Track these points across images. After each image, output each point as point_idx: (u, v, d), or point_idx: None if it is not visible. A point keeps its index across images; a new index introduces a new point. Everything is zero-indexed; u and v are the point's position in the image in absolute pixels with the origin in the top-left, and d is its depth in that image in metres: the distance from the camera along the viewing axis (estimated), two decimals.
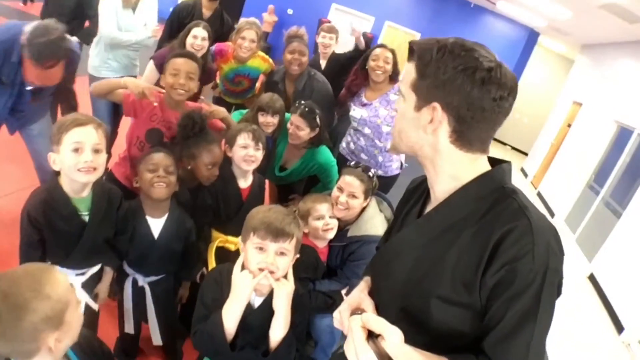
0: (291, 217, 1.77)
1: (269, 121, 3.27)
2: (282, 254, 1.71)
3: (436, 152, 1.19)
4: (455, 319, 1.14)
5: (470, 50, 1.13)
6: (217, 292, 1.81)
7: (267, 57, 4.34)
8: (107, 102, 3.76)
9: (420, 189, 1.43)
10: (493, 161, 1.25)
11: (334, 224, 2.67)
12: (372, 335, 1.02)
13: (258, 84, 4.58)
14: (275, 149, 3.53)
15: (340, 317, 1.29)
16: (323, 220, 2.64)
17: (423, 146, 1.21)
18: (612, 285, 6.22)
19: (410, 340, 1.06)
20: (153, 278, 2.46)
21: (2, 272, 1.27)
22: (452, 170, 1.20)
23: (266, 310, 1.75)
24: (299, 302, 1.80)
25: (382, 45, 3.77)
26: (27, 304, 1.22)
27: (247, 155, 2.66)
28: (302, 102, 3.40)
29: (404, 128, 1.23)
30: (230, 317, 1.69)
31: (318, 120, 3.35)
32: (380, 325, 1.02)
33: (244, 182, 2.79)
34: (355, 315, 1.06)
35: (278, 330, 1.71)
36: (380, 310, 1.28)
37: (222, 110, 3.04)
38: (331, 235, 2.68)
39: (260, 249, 1.70)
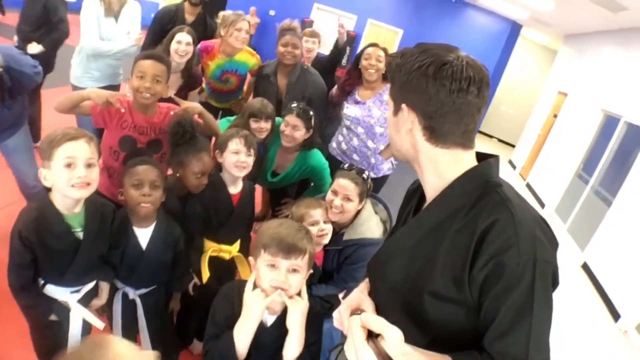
0: (303, 231, 1.72)
1: (262, 127, 3.24)
2: (294, 270, 1.65)
3: (417, 152, 1.24)
4: (451, 316, 1.15)
5: (427, 50, 1.18)
6: (228, 310, 1.76)
7: (253, 52, 4.31)
8: None
9: (419, 191, 1.43)
10: (482, 157, 1.27)
11: (329, 229, 2.64)
12: (372, 335, 1.02)
13: (245, 87, 4.56)
14: (267, 155, 3.49)
15: (340, 317, 1.29)
16: (318, 225, 2.59)
17: (408, 149, 1.25)
18: (606, 273, 6.26)
19: (413, 340, 1.07)
20: (143, 290, 2.40)
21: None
22: (434, 168, 1.23)
23: (279, 328, 1.69)
24: (313, 319, 1.74)
25: (374, 44, 3.73)
26: None
27: (238, 161, 2.61)
28: (296, 103, 3.38)
29: (391, 134, 1.30)
30: (242, 337, 1.63)
31: (312, 121, 3.32)
32: (380, 324, 1.02)
33: (234, 189, 2.74)
34: (355, 316, 1.06)
35: (292, 350, 1.64)
36: (381, 312, 1.28)
37: (196, 106, 2.96)
38: (326, 240, 2.64)
39: (272, 266, 1.64)
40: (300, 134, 3.30)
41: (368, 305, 1.31)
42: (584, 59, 10.62)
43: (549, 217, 8.98)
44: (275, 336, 1.70)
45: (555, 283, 1.12)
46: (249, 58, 4.24)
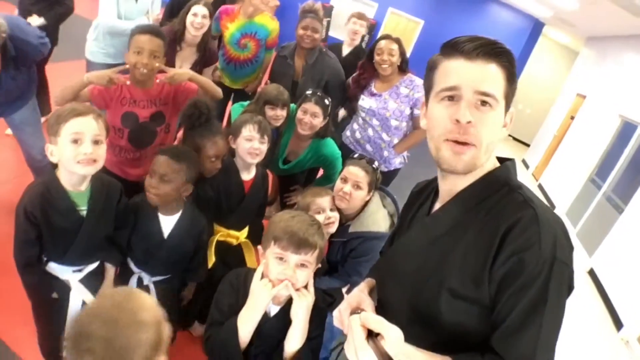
0: (315, 226, 1.69)
1: (278, 114, 3.22)
2: (302, 265, 1.64)
3: None
4: (463, 316, 1.14)
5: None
6: (233, 298, 1.75)
7: (273, 17, 4.27)
8: None
9: (426, 191, 1.44)
10: (498, 160, 1.26)
11: (336, 217, 2.63)
12: (371, 335, 1.03)
13: (264, 76, 4.51)
14: (280, 141, 3.46)
15: (341, 316, 1.29)
16: (324, 213, 2.59)
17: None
18: (612, 281, 6.22)
19: (422, 341, 1.08)
20: (159, 277, 2.38)
21: (90, 313, 1.19)
22: None
23: (283, 319, 1.69)
24: (317, 314, 1.73)
25: (387, 37, 3.65)
26: (132, 341, 1.14)
27: (252, 147, 2.59)
28: (311, 90, 3.35)
29: (494, 138, 1.18)
30: (246, 326, 1.63)
31: (329, 109, 3.30)
32: (380, 324, 1.03)
33: (247, 175, 2.72)
34: (355, 315, 1.07)
35: (294, 342, 1.64)
36: (390, 314, 1.26)
37: (184, 72, 2.90)
38: (332, 229, 2.64)
39: (281, 259, 1.62)
40: (319, 121, 3.27)
41: (368, 304, 1.31)
42: (604, 63, 10.49)
43: None
44: (278, 326, 1.70)
45: (570, 288, 1.11)
46: (269, 21, 4.21)
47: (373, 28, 13.72)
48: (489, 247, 1.10)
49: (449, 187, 1.25)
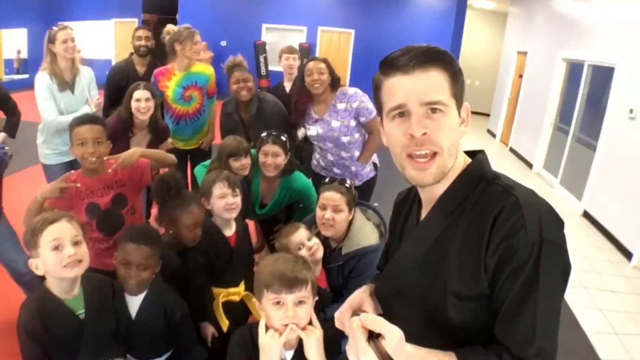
0: (300, 261, 1.72)
1: (244, 163, 3.25)
2: (300, 302, 1.65)
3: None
4: (474, 313, 1.15)
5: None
6: (244, 356, 1.76)
7: (207, 64, 4.40)
8: None
9: (408, 200, 1.43)
10: (468, 154, 1.27)
11: (317, 243, 2.66)
12: (372, 336, 1.02)
13: (215, 127, 4.55)
14: (251, 189, 3.48)
15: (342, 318, 1.28)
16: (304, 247, 2.61)
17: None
18: (609, 216, 6.30)
19: (441, 347, 1.09)
20: None
21: None
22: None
23: None
24: (331, 344, 1.73)
25: (313, 59, 3.72)
26: None
27: (226, 204, 2.61)
28: (268, 131, 3.39)
29: (456, 139, 1.19)
30: None
31: (288, 145, 3.33)
32: (380, 324, 1.02)
33: (229, 231, 2.74)
34: (356, 316, 1.06)
35: None
36: (405, 330, 1.27)
37: (132, 153, 2.88)
38: (319, 254, 2.66)
39: (278, 303, 1.63)
40: (281, 159, 3.30)
41: (369, 306, 1.32)
42: (534, 14, 10.75)
43: (539, 176, 9.04)
44: None
45: (566, 267, 1.10)
46: (205, 68, 4.33)
47: (308, 52, 13.85)
48: (480, 241, 1.11)
49: (428, 194, 1.26)
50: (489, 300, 1.12)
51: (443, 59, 1.14)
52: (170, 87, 4.16)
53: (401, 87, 1.14)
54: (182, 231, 2.55)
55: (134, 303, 2.25)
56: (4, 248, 3.12)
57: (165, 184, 2.60)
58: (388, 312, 1.40)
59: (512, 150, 11.11)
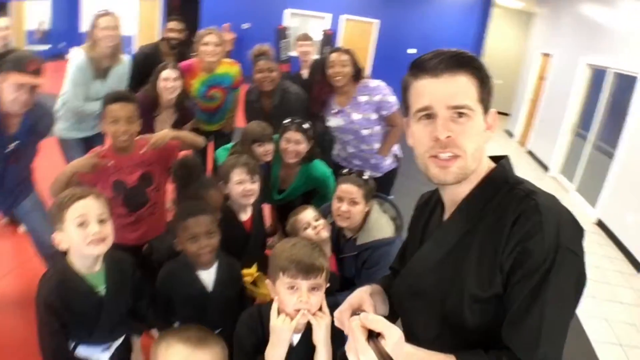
0: (317, 249, 1.75)
1: (267, 149, 3.29)
2: (314, 289, 1.68)
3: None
4: (489, 316, 1.15)
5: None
6: (253, 337, 1.80)
7: (233, 61, 4.36)
8: (81, 152, 3.70)
9: (431, 202, 1.44)
10: (493, 159, 1.28)
11: (322, 223, 2.69)
12: (372, 335, 1.02)
13: (233, 105, 4.60)
14: (271, 174, 3.51)
15: (341, 317, 1.29)
16: (310, 226, 2.66)
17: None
18: (621, 226, 6.25)
19: (455, 349, 1.10)
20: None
21: None
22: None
23: (306, 345, 1.72)
24: (338, 330, 1.76)
25: (336, 49, 3.71)
26: None
27: (244, 190, 2.65)
28: (291, 118, 3.41)
29: (481, 144, 1.20)
30: None
31: (310, 132, 3.35)
32: (380, 323, 1.02)
33: (245, 215, 2.77)
34: (356, 316, 1.07)
35: None
36: (418, 331, 1.30)
37: (164, 135, 2.94)
38: (325, 234, 2.69)
39: (292, 287, 1.66)
40: (303, 147, 3.32)
41: (369, 305, 1.31)
42: (561, 17, 10.61)
43: (554, 180, 8.97)
44: (302, 354, 1.73)
45: (582, 277, 1.10)
46: (229, 68, 4.28)
47: (330, 38, 13.83)
48: (497, 244, 1.11)
49: (451, 197, 1.27)
50: (502, 302, 1.13)
51: (472, 64, 1.16)
52: (194, 86, 4.15)
53: (429, 90, 1.16)
54: None
55: (207, 277, 2.31)
56: (34, 218, 3.16)
57: (187, 169, 2.64)
58: (404, 313, 1.41)
59: (529, 152, 11.02)
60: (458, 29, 13.38)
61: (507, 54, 15.96)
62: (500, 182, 1.21)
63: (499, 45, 15.90)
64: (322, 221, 2.69)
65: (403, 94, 1.26)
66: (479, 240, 1.17)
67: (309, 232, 2.65)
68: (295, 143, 3.29)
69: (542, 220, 1.07)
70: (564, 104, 9.15)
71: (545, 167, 9.62)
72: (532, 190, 1.15)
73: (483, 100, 1.17)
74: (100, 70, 3.88)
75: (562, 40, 10.17)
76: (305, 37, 5.22)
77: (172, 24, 4.73)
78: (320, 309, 1.70)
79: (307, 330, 1.71)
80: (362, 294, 1.36)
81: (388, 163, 3.94)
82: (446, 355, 1.08)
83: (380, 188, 3.18)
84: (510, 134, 13.15)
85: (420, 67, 1.17)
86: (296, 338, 1.76)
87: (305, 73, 5.09)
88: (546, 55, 11.06)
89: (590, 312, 4.52)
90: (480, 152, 1.19)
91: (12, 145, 2.82)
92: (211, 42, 3.98)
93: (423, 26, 13.69)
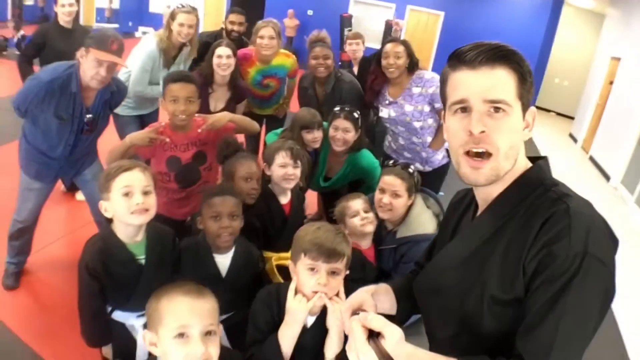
0: (341, 235, 1.76)
1: (316, 136, 3.30)
2: (334, 273, 1.70)
3: None
4: (508, 319, 1.11)
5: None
6: (268, 315, 1.82)
7: (289, 52, 4.40)
8: (135, 128, 3.83)
9: (465, 200, 1.42)
10: (531, 160, 1.24)
11: (371, 217, 2.69)
12: (372, 335, 1.02)
13: (286, 89, 4.67)
14: (318, 160, 3.53)
15: (342, 317, 1.29)
16: (358, 216, 2.66)
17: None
18: None
19: (472, 351, 1.08)
20: (223, 316, 2.36)
21: None
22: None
23: (319, 328, 1.75)
24: None
25: (392, 40, 3.67)
26: None
27: (286, 174, 2.67)
28: (341, 106, 3.41)
29: (516, 143, 1.16)
30: (287, 341, 1.71)
31: (360, 122, 3.34)
32: (380, 323, 1.02)
33: (284, 198, 2.80)
34: (356, 316, 1.07)
35: (333, 349, 1.71)
36: (436, 327, 1.29)
37: (222, 116, 3.01)
38: (370, 228, 2.68)
39: (313, 269, 1.69)
40: (351, 135, 3.31)
41: (370, 305, 1.32)
42: (632, 20, 10.20)
43: (615, 190, 8.67)
44: (315, 336, 1.76)
45: (609, 290, 1.05)
46: (285, 60, 4.32)
47: (390, 29, 13.72)
48: (523, 246, 1.08)
49: (483, 195, 1.25)
50: (523, 308, 1.09)
51: (512, 58, 1.12)
52: (250, 74, 4.21)
53: (465, 82, 1.13)
54: (238, 184, 2.60)
55: (223, 262, 2.32)
56: (93, 186, 3.25)
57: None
58: (424, 310, 1.40)
59: (591, 158, 10.65)
60: (526, 26, 13.03)
61: (575, 55, 15.51)
62: (534, 183, 1.17)
63: (567, 44, 15.47)
64: (371, 214, 2.69)
65: (441, 86, 1.23)
66: (506, 240, 1.13)
67: (355, 220, 2.65)
68: (343, 131, 3.28)
69: (570, 225, 1.03)
70: (632, 110, 8.79)
71: (607, 176, 9.27)
72: (566, 194, 1.12)
73: (522, 96, 1.13)
74: (169, 60, 4.01)
75: (632, 43, 9.79)
76: (355, 36, 5.33)
77: (233, 17, 4.79)
78: (337, 295, 1.72)
79: (322, 314, 1.74)
80: (362, 294, 1.36)
81: (439, 158, 3.88)
82: (448, 358, 1.06)
83: (429, 183, 3.15)
84: (574, 139, 12.74)
85: (459, 58, 1.14)
86: (310, 320, 1.78)
87: (355, 70, 5.20)
88: (616, 58, 10.65)
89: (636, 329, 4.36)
90: (516, 150, 1.15)
91: (87, 118, 2.95)
92: (266, 35, 4.02)
93: (490, 21, 13.39)
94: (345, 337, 1.68)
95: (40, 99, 2.73)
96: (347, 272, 1.79)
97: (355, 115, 3.32)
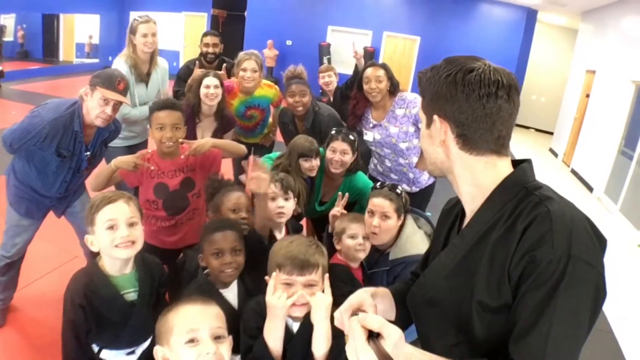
0: (314, 246, 1.78)
1: (313, 164, 3.29)
2: (310, 286, 1.72)
3: (452, 162, 1.23)
4: (498, 329, 1.11)
5: (454, 60, 1.19)
6: (260, 321, 1.80)
7: (271, 83, 4.45)
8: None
9: (456, 209, 1.42)
10: (515, 163, 1.25)
11: (367, 246, 2.67)
12: (372, 336, 1.02)
13: (271, 119, 4.70)
14: (314, 186, 3.53)
15: (341, 317, 1.28)
16: (356, 239, 2.64)
17: (442, 160, 1.25)
18: None
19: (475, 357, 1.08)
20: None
21: None
22: (470, 176, 1.22)
23: (306, 332, 1.74)
24: (337, 333, 1.76)
25: (372, 64, 3.69)
26: None
27: (277, 207, 2.62)
28: (338, 128, 3.44)
29: (425, 148, 1.29)
30: (272, 337, 1.71)
31: (356, 144, 3.36)
32: (379, 323, 1.02)
33: (279, 234, 2.72)
34: (356, 316, 1.06)
35: (320, 345, 1.69)
36: (435, 341, 1.29)
37: (205, 142, 3.02)
38: (362, 255, 2.67)
39: (288, 284, 1.70)
40: (349, 157, 3.32)
41: (369, 305, 1.30)
42: (605, 33, 10.45)
43: (599, 200, 8.78)
44: (303, 341, 1.75)
45: (599, 291, 1.04)
46: (268, 91, 4.36)
47: (372, 55, 13.88)
48: (508, 252, 1.08)
49: (471, 205, 1.26)
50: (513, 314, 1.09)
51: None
52: (234, 105, 4.24)
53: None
54: (226, 216, 2.57)
55: (231, 295, 2.25)
56: (82, 218, 3.24)
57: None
58: (420, 323, 1.40)
59: (573, 171, 10.78)
60: (501, 46, 13.23)
61: (551, 71, 15.77)
62: (516, 186, 1.17)
63: (542, 61, 15.73)
64: (368, 244, 2.66)
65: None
66: (491, 246, 1.13)
67: (351, 242, 2.63)
68: (341, 153, 3.28)
69: (552, 229, 1.03)
70: (610, 121, 8.96)
71: (589, 188, 9.40)
72: (548, 196, 1.11)
73: (424, 108, 1.29)
74: (142, 75, 3.99)
75: (606, 56, 10.01)
76: (327, 69, 5.45)
77: (207, 39, 4.82)
78: (323, 291, 1.72)
79: (307, 320, 1.73)
80: (362, 294, 1.34)
81: (426, 178, 3.91)
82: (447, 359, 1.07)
83: (416, 204, 3.16)
84: (554, 153, 12.91)
85: None
86: (296, 326, 1.78)
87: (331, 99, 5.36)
88: (591, 72, 10.86)
89: (631, 335, 4.36)
90: (427, 155, 1.30)
91: (86, 156, 2.96)
92: (249, 68, 4.06)
93: (466, 42, 13.58)
94: (333, 332, 1.68)
95: (42, 137, 2.71)
96: (329, 287, 1.76)
97: (352, 137, 3.33)
